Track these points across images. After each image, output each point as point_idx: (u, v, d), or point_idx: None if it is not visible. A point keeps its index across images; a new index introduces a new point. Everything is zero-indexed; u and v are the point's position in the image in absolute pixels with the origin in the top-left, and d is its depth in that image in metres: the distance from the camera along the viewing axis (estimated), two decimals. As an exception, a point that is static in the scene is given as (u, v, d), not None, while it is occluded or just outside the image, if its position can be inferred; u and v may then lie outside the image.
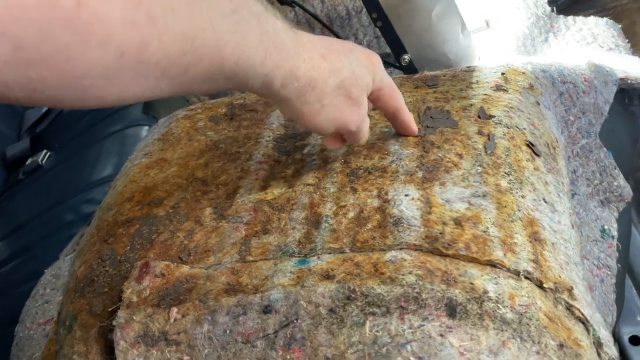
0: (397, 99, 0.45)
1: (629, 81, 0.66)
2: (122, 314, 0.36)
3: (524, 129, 0.48)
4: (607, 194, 0.64)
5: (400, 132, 0.48)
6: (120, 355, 0.35)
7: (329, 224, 0.40)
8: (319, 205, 0.42)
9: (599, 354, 0.37)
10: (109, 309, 0.38)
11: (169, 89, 0.31)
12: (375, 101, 0.45)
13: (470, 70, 0.58)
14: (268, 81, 0.35)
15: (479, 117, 0.48)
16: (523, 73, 0.56)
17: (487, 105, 0.50)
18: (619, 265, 0.61)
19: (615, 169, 0.64)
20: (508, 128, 0.47)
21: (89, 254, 0.44)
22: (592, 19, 0.89)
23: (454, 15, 0.65)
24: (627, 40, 0.89)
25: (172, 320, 0.35)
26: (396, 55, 0.68)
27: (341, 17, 0.96)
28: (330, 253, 0.38)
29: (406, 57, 0.67)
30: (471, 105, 0.50)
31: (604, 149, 0.63)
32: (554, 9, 0.89)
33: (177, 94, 0.32)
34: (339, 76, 0.39)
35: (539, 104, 0.53)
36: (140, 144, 0.60)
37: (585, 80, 0.62)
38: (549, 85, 0.58)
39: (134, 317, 0.36)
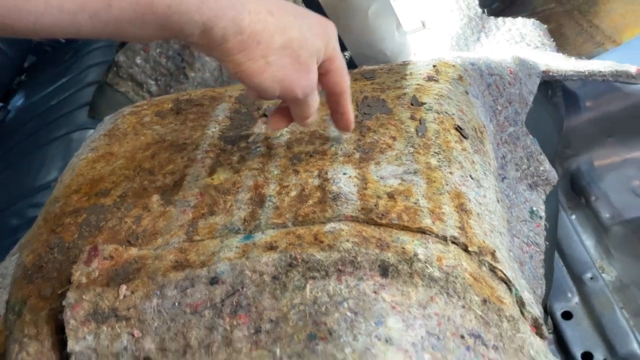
0: (346, 81, 0.44)
1: (550, 73, 0.72)
2: (71, 295, 0.37)
3: (453, 114, 0.52)
4: (535, 178, 0.69)
5: (337, 121, 0.46)
6: (71, 333, 0.36)
7: (273, 202, 0.43)
8: (263, 187, 0.45)
9: (522, 313, 0.40)
10: (59, 292, 0.39)
11: (92, 26, 0.30)
12: (325, 75, 0.43)
13: (405, 64, 0.62)
14: (207, 30, 0.34)
15: (412, 104, 0.52)
16: (453, 65, 0.60)
17: (419, 94, 0.54)
18: (547, 243, 0.65)
19: (541, 154, 0.69)
20: (438, 113, 0.51)
21: (37, 243, 0.44)
22: (520, 20, 0.96)
23: (389, 14, 0.69)
24: (552, 39, 0.96)
25: (121, 297, 0.37)
26: (337, 52, 0.71)
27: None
28: (273, 228, 0.40)
29: (346, 54, 0.71)
30: (405, 94, 0.54)
31: (530, 136, 0.68)
32: (485, 10, 0.95)
33: (105, 35, 0.31)
34: (286, 35, 0.37)
35: (467, 93, 0.58)
36: (86, 141, 0.60)
37: (511, 73, 0.67)
38: (477, 77, 0.63)
39: (84, 297, 0.37)
